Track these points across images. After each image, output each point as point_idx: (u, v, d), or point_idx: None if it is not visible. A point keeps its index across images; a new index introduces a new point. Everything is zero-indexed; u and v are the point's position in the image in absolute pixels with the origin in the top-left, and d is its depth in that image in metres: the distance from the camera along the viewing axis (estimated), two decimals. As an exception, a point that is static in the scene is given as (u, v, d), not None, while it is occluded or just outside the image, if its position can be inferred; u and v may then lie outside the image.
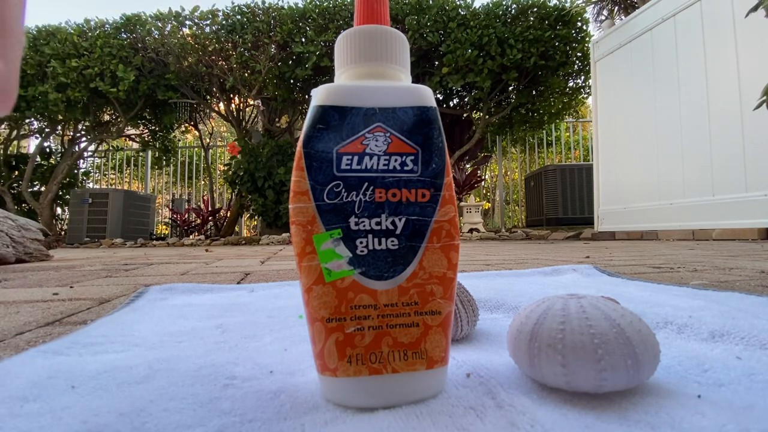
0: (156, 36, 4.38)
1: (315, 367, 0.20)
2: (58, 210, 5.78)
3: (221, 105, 4.98)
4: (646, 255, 1.38)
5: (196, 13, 4.34)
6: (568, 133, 6.18)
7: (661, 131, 2.89)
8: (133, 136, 5.80)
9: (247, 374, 0.24)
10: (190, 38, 4.38)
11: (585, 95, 4.72)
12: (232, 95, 4.85)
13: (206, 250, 2.54)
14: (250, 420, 0.19)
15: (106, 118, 5.28)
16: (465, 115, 4.76)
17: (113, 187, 6.13)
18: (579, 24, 4.19)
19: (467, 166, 4.96)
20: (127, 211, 4.62)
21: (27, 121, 5.03)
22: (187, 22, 4.39)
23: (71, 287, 0.75)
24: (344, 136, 0.20)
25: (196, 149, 6.30)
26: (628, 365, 0.19)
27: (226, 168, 4.74)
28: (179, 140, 6.38)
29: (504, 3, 4.06)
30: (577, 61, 4.37)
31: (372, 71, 0.22)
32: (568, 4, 4.10)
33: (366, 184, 0.20)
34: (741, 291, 0.53)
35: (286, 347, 0.30)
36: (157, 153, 5.81)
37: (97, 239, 4.29)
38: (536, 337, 0.21)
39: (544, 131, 5.61)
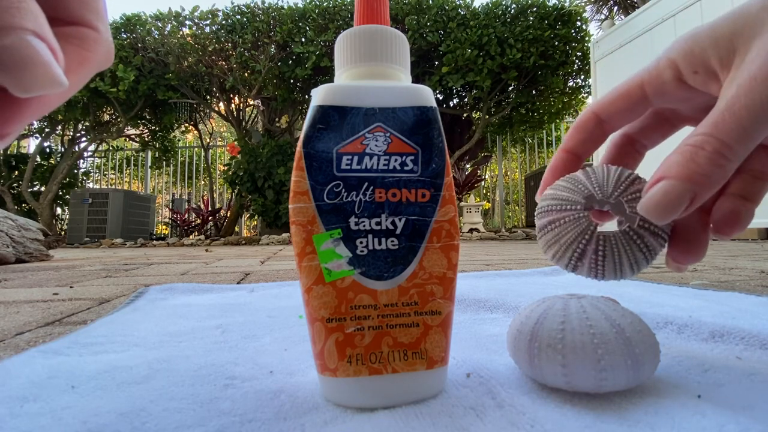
0: (156, 36, 4.38)
1: (315, 367, 0.20)
2: (58, 210, 5.78)
3: (221, 105, 4.98)
4: (646, 255, 1.38)
5: (196, 13, 4.34)
6: (568, 133, 6.16)
7: (661, 131, 2.89)
8: (133, 136, 5.80)
9: (247, 374, 0.24)
10: (190, 38, 4.38)
11: (585, 95, 4.71)
12: (232, 95, 4.85)
13: (206, 250, 2.54)
14: (250, 420, 0.19)
15: (106, 118, 5.28)
16: (465, 115, 4.76)
17: (113, 187, 6.13)
18: (578, 23, 4.19)
19: (467, 166, 4.96)
20: (127, 211, 4.62)
21: (27, 121, 5.02)
22: (187, 22, 4.39)
23: (71, 287, 0.75)
24: (344, 136, 0.20)
25: (196, 149, 6.30)
26: (628, 365, 0.19)
27: (226, 168, 4.74)
28: (179, 140, 6.39)
29: (503, 3, 4.06)
30: (577, 61, 4.37)
31: (372, 71, 0.22)
32: (567, 4, 4.10)
33: (366, 184, 0.20)
34: (741, 291, 0.53)
35: (286, 347, 0.30)
36: (157, 153, 5.81)
37: (97, 239, 4.29)
38: (536, 337, 0.21)
39: (544, 131, 5.61)
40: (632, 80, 0.23)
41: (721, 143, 0.18)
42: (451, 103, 4.82)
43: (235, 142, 4.56)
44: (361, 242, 0.20)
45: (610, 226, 0.22)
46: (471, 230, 4.21)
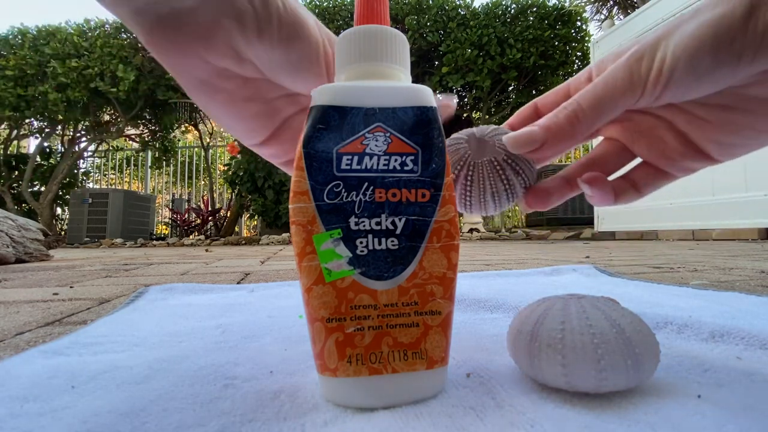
0: (156, 36, 4.38)
1: (315, 367, 0.20)
2: (58, 210, 5.79)
3: (221, 105, 4.97)
4: (646, 255, 1.38)
5: (196, 13, 4.33)
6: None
7: (661, 131, 2.88)
8: (133, 136, 5.80)
9: (247, 374, 0.24)
10: (190, 38, 4.37)
11: (585, 95, 4.71)
12: (232, 95, 4.84)
13: (206, 250, 2.54)
14: (250, 420, 0.19)
15: (106, 118, 5.29)
16: (465, 115, 4.76)
17: (113, 187, 6.13)
18: (578, 23, 4.19)
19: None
20: (127, 211, 4.62)
21: (27, 121, 5.04)
22: (187, 22, 4.38)
23: (71, 287, 0.75)
24: (344, 136, 0.20)
25: (196, 149, 6.30)
26: (628, 365, 0.19)
27: (226, 168, 4.74)
28: (179, 140, 6.39)
29: (503, 3, 4.06)
30: (577, 61, 4.37)
31: (372, 71, 0.21)
32: (567, 4, 4.10)
33: (366, 184, 0.20)
34: (741, 291, 0.53)
35: (286, 347, 0.30)
36: (157, 153, 5.82)
37: (97, 239, 4.30)
38: (536, 337, 0.21)
39: (544, 131, 5.60)
40: (565, 82, 0.29)
41: (578, 105, 0.23)
42: (451, 103, 4.82)
43: (235, 142, 4.56)
44: (361, 242, 0.20)
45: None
46: (471, 230, 4.21)
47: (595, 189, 0.26)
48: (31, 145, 6.11)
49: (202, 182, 6.54)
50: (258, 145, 0.29)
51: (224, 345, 0.31)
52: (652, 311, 0.35)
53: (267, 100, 0.26)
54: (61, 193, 5.38)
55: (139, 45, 4.39)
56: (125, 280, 0.87)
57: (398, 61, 0.22)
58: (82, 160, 5.87)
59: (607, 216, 3.45)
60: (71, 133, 5.31)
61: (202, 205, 5.26)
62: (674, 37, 0.21)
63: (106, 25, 4.42)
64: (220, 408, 0.20)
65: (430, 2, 4.06)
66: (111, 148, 6.15)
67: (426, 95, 0.21)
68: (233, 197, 5.02)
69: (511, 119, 0.30)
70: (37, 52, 4.27)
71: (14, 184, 5.33)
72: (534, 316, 0.22)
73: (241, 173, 4.24)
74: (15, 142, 5.55)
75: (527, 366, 0.21)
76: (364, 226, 0.20)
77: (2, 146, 5.27)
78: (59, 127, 5.17)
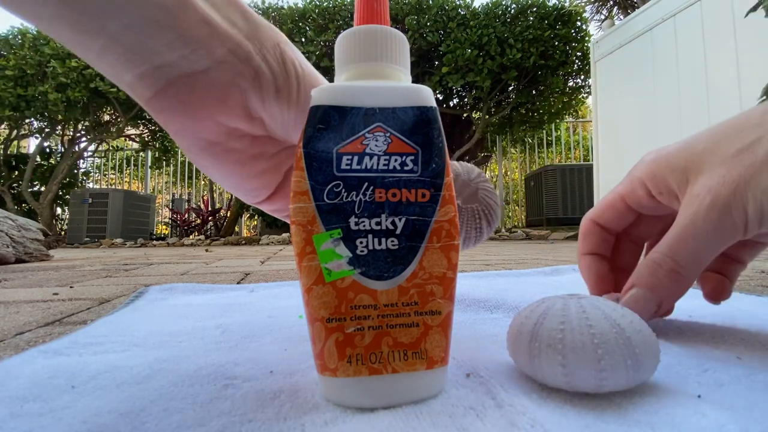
0: (156, 36, 4.38)
1: (315, 367, 0.20)
2: (58, 210, 5.79)
3: (221, 105, 4.97)
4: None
5: (196, 13, 4.33)
6: (568, 133, 6.18)
7: (660, 131, 2.89)
8: (133, 136, 5.80)
9: (247, 374, 0.24)
10: (190, 38, 4.37)
11: (585, 95, 4.72)
12: (232, 95, 4.84)
13: (206, 250, 2.54)
14: (250, 420, 0.19)
15: (106, 118, 5.28)
16: (465, 115, 4.76)
17: (113, 187, 6.13)
18: (578, 23, 4.19)
19: (467, 166, 4.96)
20: (127, 211, 4.62)
21: (27, 121, 5.03)
22: (187, 22, 4.38)
23: (71, 287, 0.75)
24: (344, 136, 0.20)
25: (196, 149, 6.28)
26: (628, 365, 0.19)
27: (226, 168, 4.72)
28: (179, 140, 6.37)
29: (503, 3, 4.06)
30: (577, 61, 4.37)
31: (372, 71, 0.21)
32: (567, 4, 4.10)
33: (366, 184, 0.20)
34: (741, 291, 0.53)
35: (286, 347, 0.30)
36: (156, 153, 5.81)
37: (97, 239, 4.30)
38: (536, 337, 0.21)
39: (544, 131, 5.61)
40: (614, 194, 0.30)
41: (675, 263, 0.24)
42: (451, 103, 4.82)
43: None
44: (361, 242, 0.20)
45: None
46: (471, 230, 4.20)
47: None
48: (31, 145, 6.11)
49: (202, 182, 6.54)
50: (263, 202, 0.28)
51: (224, 345, 0.31)
52: (652, 311, 0.35)
53: (271, 155, 0.25)
54: (61, 193, 5.38)
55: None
56: (125, 280, 0.87)
57: (398, 61, 0.22)
58: (82, 160, 5.86)
59: (607, 216, 3.44)
60: (71, 133, 5.31)
61: (202, 205, 5.26)
62: (758, 186, 0.23)
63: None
64: (220, 408, 0.20)
65: (430, 2, 4.06)
66: (111, 148, 6.14)
67: (426, 95, 0.21)
68: (233, 197, 5.02)
69: (583, 243, 0.31)
70: (37, 52, 4.26)
71: (14, 184, 5.33)
72: (534, 316, 0.22)
73: (241, 173, 4.23)
74: (15, 142, 5.55)
75: (527, 366, 0.21)
76: (364, 226, 0.20)
77: (2, 146, 5.27)
78: (59, 127, 5.16)
